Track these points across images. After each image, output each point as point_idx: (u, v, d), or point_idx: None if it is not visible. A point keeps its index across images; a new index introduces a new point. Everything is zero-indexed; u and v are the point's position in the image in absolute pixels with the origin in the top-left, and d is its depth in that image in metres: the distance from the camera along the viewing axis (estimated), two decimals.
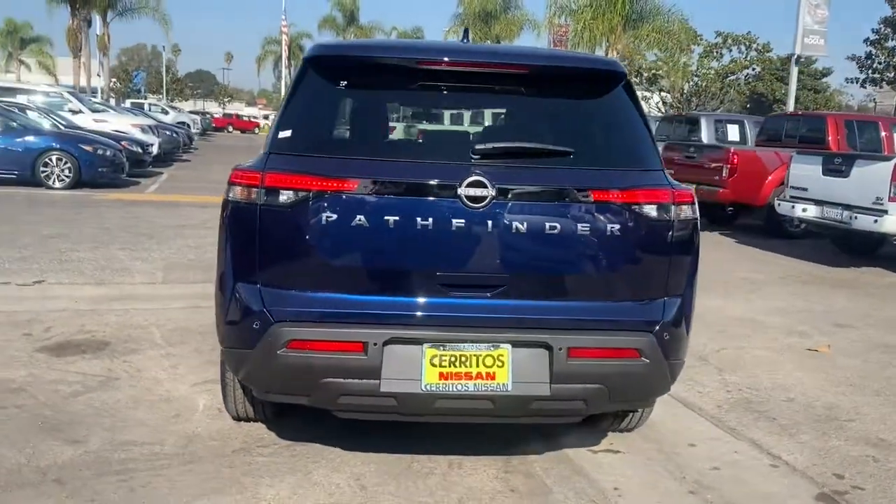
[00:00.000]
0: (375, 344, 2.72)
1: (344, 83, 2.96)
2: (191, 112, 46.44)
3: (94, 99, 26.05)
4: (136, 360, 4.52)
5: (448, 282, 2.79)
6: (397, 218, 2.72)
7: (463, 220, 2.73)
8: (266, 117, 70.47)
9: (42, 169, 13.03)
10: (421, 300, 2.79)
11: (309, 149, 2.84)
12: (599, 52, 30.47)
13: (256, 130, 58.39)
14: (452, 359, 2.78)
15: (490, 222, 2.74)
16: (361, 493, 3.09)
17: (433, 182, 2.74)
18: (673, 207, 2.90)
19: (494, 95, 3.16)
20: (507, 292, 2.82)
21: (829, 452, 3.71)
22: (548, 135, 3.00)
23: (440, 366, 2.77)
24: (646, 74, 31.96)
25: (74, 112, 17.70)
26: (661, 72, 31.08)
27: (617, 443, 3.72)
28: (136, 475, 3.12)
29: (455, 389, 2.78)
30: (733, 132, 13.71)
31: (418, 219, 2.72)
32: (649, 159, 2.98)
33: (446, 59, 2.95)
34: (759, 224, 11.62)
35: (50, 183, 13.04)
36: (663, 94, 32.44)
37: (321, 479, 3.17)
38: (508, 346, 2.80)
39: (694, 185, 11.22)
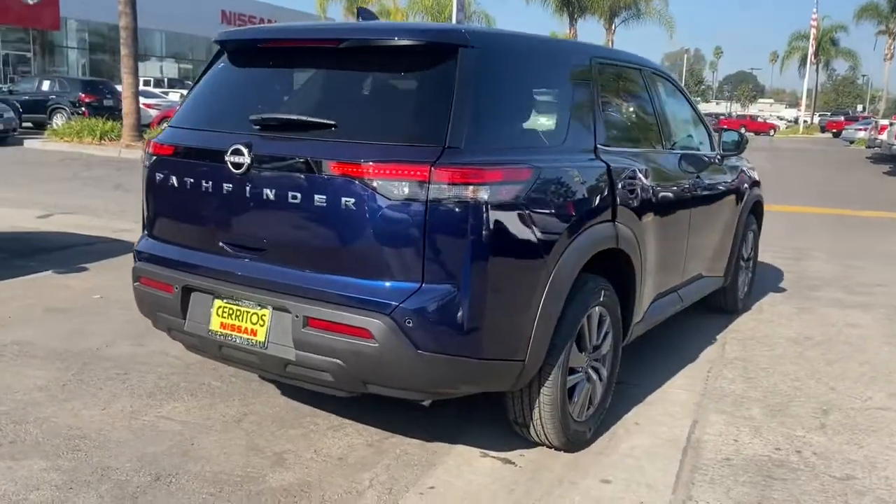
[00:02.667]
0: (176, 288, 3.17)
1: (221, 65, 3.40)
2: None
3: None
4: None
5: (226, 240, 3.06)
6: (193, 180, 3.11)
7: (230, 185, 2.97)
8: (794, 121, 65.50)
9: None
10: (208, 255, 3.12)
11: (178, 121, 3.39)
12: None
13: (772, 133, 53.29)
14: (230, 311, 3.05)
15: (248, 187, 2.92)
16: (231, 425, 3.51)
17: (213, 148, 3.05)
18: (430, 186, 2.61)
19: (319, 70, 3.21)
20: (266, 257, 2.96)
21: None
22: (331, 106, 2.99)
23: (222, 316, 3.07)
24: None
25: None
26: None
27: (530, 456, 3.35)
28: (130, 372, 4.10)
29: (230, 340, 3.05)
30: None
31: (203, 181, 3.06)
32: (434, 135, 2.70)
33: (271, 38, 3.19)
34: None
35: None
36: None
37: (219, 408, 3.69)
38: (270, 308, 2.95)
39: None
